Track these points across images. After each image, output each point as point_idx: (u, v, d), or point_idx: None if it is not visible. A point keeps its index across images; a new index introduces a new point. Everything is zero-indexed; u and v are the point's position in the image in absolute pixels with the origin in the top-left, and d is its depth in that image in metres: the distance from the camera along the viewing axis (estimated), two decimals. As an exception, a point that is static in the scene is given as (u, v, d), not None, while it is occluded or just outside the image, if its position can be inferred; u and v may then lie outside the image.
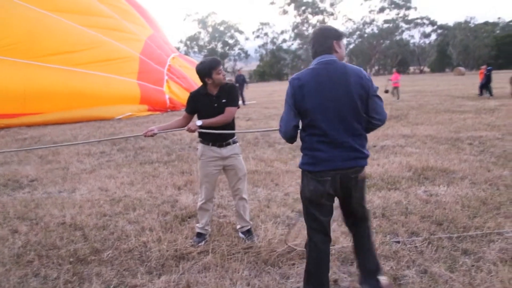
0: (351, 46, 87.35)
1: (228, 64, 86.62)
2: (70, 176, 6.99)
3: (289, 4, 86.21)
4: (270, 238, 3.84)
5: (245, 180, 3.93)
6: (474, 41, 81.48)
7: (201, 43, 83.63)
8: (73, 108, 15.56)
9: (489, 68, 19.13)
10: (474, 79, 43.40)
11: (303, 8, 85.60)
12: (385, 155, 7.42)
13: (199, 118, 3.72)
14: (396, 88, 19.98)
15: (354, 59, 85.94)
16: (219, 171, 3.85)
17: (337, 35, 2.74)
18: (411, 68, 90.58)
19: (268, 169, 6.79)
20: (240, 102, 18.93)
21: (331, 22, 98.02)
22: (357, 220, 2.84)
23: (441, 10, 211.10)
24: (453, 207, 4.59)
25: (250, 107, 19.51)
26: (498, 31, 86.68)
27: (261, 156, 7.89)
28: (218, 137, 3.71)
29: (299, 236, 3.76)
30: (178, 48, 31.64)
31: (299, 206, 3.86)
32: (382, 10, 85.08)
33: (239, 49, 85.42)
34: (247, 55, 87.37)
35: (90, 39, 16.79)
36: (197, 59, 35.54)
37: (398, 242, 3.77)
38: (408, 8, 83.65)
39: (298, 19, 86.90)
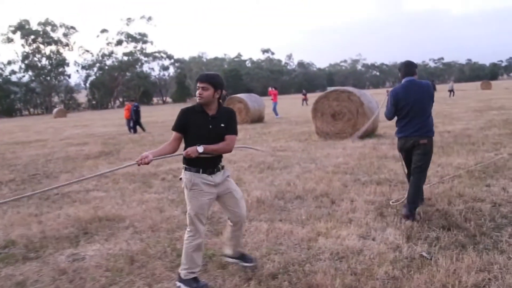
0: (91, 79, 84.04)
1: None
2: None
3: (14, 32, 76.95)
4: None
5: (243, 201, 3.49)
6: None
7: None
8: None
9: (135, 104, 19.08)
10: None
11: (32, 37, 77.81)
12: (59, 205, 6.11)
13: (188, 138, 3.25)
14: None
15: (96, 92, 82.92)
16: (212, 200, 3.32)
17: None
18: (155, 99, 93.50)
19: None
20: None
21: (67, 54, 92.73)
22: None
23: (177, 45, 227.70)
24: (96, 272, 3.64)
25: None
26: (226, 66, 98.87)
27: None
28: (210, 163, 3.25)
29: None
30: None
31: None
32: (119, 42, 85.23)
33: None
34: (-38, 89, 72.87)
35: None
36: None
37: None
38: (145, 42, 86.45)
39: (28, 49, 78.51)
